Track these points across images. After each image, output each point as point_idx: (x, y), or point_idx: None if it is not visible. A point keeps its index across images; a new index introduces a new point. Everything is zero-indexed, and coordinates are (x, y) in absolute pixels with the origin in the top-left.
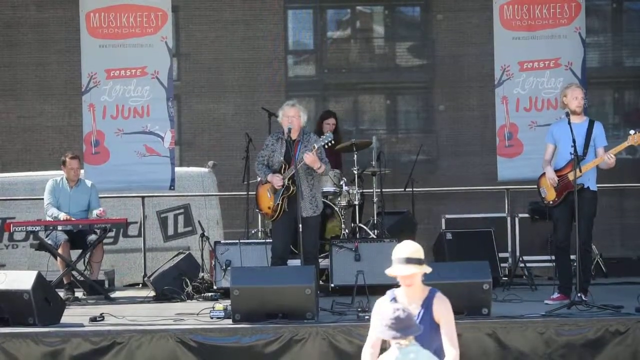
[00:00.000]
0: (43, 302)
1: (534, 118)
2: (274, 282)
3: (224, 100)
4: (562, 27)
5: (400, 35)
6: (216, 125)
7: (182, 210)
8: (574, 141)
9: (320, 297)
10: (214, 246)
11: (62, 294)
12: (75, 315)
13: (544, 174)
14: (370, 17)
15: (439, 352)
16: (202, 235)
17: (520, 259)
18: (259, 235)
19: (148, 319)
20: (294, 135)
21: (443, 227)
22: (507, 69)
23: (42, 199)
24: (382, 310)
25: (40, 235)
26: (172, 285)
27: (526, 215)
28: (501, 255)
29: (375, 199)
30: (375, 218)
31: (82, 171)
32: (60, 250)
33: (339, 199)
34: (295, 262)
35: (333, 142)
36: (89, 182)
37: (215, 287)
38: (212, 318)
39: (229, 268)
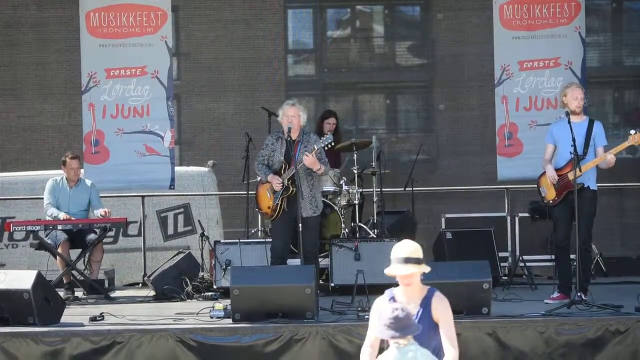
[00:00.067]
0: (43, 302)
1: (534, 117)
2: (273, 282)
3: (224, 99)
4: (562, 27)
5: (400, 35)
6: (216, 124)
7: (182, 210)
8: (574, 140)
9: (320, 297)
10: (213, 246)
11: (62, 293)
12: (75, 314)
13: (544, 173)
14: (370, 16)
15: (437, 351)
16: (202, 234)
17: (520, 258)
18: (259, 234)
19: (148, 318)
20: (294, 135)
21: (443, 226)
22: (507, 69)
23: (42, 198)
24: (381, 310)
25: (40, 235)
26: (172, 285)
27: (526, 214)
28: (501, 254)
29: (375, 199)
30: (375, 217)
31: (82, 171)
32: (59, 250)
33: (338, 198)
34: (295, 262)
35: (333, 143)
36: (88, 182)
37: (215, 287)
38: (212, 317)
39: (229, 267)
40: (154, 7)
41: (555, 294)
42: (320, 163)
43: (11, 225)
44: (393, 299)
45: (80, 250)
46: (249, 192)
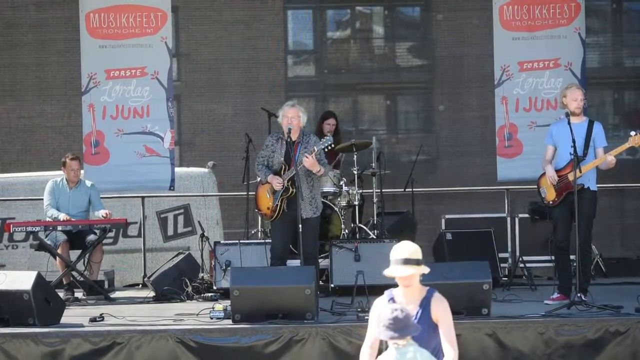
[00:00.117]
0: (43, 303)
1: (534, 118)
2: (273, 283)
3: (224, 100)
4: (561, 28)
5: (400, 36)
6: (216, 125)
7: (182, 211)
8: (573, 142)
9: (320, 298)
10: (213, 246)
11: (61, 294)
12: (75, 315)
13: (543, 174)
14: (370, 17)
15: (437, 352)
16: (202, 235)
17: (520, 259)
18: (259, 235)
19: (148, 319)
20: (293, 136)
21: (443, 227)
22: (506, 69)
23: (42, 199)
24: (380, 311)
25: (40, 236)
26: (172, 286)
27: (526, 215)
28: (501, 255)
29: (375, 199)
30: (375, 218)
31: (82, 172)
32: (59, 251)
33: (338, 199)
34: (295, 263)
35: (333, 145)
36: (88, 183)
37: (215, 288)
38: (212, 318)
39: (229, 268)
40: (154, 8)
41: (555, 295)
42: (319, 165)
43: (11, 226)
44: (392, 299)
45: (80, 251)
46: (249, 193)
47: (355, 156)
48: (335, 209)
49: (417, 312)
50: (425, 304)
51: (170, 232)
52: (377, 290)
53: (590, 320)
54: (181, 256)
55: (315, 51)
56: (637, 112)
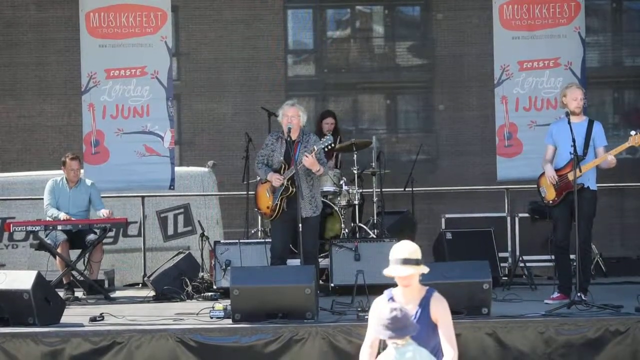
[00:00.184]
0: (43, 302)
1: (534, 118)
2: (273, 282)
3: (224, 100)
4: (561, 27)
5: (400, 35)
6: (216, 125)
7: (182, 210)
8: (573, 141)
9: (320, 297)
10: (213, 246)
11: (61, 293)
12: (75, 315)
13: (543, 173)
14: (370, 16)
15: (436, 351)
16: (202, 235)
17: (520, 258)
18: (259, 235)
19: (148, 318)
20: (293, 135)
21: (443, 226)
22: (506, 69)
23: (42, 199)
24: (379, 310)
25: (40, 235)
26: (171, 285)
27: (526, 215)
28: (501, 254)
29: (375, 199)
30: (375, 218)
31: (82, 171)
32: (59, 250)
33: (338, 198)
34: (295, 262)
35: (333, 144)
36: (89, 182)
37: (215, 287)
38: (211, 318)
39: (229, 268)
40: (154, 7)
41: (555, 294)
42: (319, 164)
43: (11, 225)
44: (392, 299)
45: (79, 250)
46: (249, 193)
47: (355, 155)
48: (335, 208)
49: (417, 312)
50: (424, 304)
51: (170, 231)
52: (377, 289)
53: (590, 320)
54: (181, 255)
55: (315, 50)
56: (637, 112)
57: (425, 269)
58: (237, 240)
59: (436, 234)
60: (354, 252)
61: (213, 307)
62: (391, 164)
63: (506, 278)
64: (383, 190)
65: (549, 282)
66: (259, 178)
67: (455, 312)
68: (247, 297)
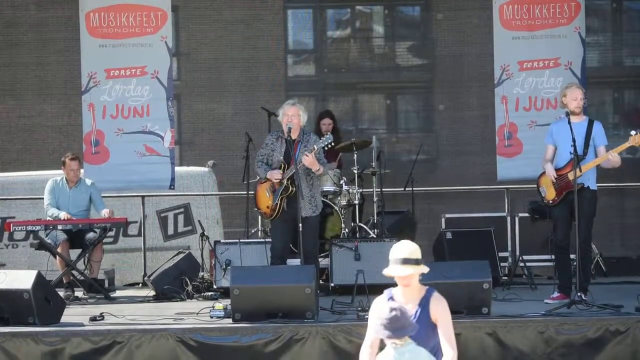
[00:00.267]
0: (43, 302)
1: (534, 118)
2: (273, 282)
3: (224, 99)
4: (561, 27)
5: (400, 35)
6: (216, 125)
7: (182, 210)
8: (574, 141)
9: (320, 297)
10: (213, 246)
11: (62, 293)
12: (75, 314)
13: (543, 173)
14: (370, 16)
15: (436, 351)
16: (202, 234)
17: (520, 258)
18: (259, 234)
19: (148, 318)
20: (294, 135)
21: (443, 226)
22: (506, 69)
23: (42, 198)
24: (379, 310)
25: (40, 235)
26: (172, 285)
27: (526, 214)
28: (501, 254)
29: (375, 199)
30: (375, 217)
31: (82, 171)
32: (59, 250)
33: (338, 198)
34: (295, 262)
35: (333, 144)
36: (89, 181)
37: (215, 287)
38: (212, 317)
39: (229, 267)
40: (154, 7)
41: (555, 294)
42: (319, 164)
43: (11, 225)
44: (392, 298)
45: (80, 250)
46: (249, 192)
47: (355, 155)
48: (336, 208)
49: (416, 312)
50: (424, 304)
51: (170, 231)
52: (377, 289)
53: (590, 320)
54: (181, 255)
55: (315, 50)
56: (637, 112)
57: (425, 269)
58: (237, 240)
59: (436, 233)
60: (354, 252)
61: (213, 307)
62: (391, 163)
63: (506, 278)
64: (383, 190)
65: (549, 281)
66: (258, 178)
67: (455, 312)
68: (247, 296)
